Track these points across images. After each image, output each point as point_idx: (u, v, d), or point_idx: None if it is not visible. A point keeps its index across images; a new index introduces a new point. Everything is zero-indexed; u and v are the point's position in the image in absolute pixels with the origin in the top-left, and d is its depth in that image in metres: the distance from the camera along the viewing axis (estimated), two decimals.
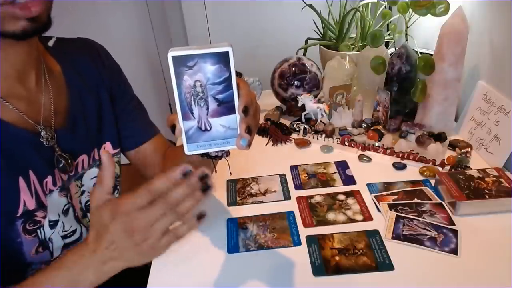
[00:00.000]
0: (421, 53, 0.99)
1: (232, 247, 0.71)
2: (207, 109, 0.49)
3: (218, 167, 0.74)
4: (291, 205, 0.81)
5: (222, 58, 0.46)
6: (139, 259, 0.49)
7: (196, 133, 0.50)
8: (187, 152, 0.51)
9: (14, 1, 0.51)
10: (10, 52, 0.58)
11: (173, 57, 0.45)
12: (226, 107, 0.49)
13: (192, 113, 0.48)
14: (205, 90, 0.48)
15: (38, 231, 0.62)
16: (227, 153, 0.60)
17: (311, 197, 0.83)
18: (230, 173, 0.87)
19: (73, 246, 0.68)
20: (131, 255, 0.48)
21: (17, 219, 0.59)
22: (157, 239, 0.46)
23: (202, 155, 0.60)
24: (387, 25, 1.17)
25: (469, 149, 0.93)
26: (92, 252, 0.48)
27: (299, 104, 1.08)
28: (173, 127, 0.50)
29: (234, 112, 0.50)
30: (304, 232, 0.74)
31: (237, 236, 0.74)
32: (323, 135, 1.03)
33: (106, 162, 0.48)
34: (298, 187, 0.87)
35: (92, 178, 0.73)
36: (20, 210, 0.59)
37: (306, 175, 0.90)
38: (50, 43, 0.70)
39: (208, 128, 0.50)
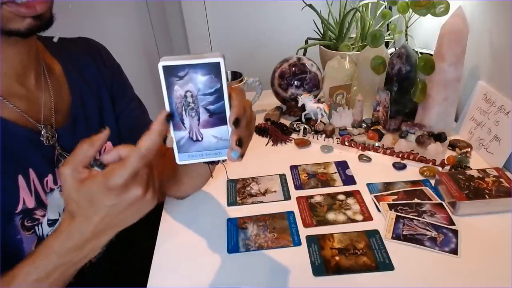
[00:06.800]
0: (421, 53, 0.99)
1: (232, 247, 0.71)
2: (198, 119, 0.48)
3: (216, 168, 0.74)
4: (291, 205, 0.81)
5: (213, 69, 0.46)
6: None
7: (187, 143, 0.49)
8: (178, 162, 0.50)
9: (16, 1, 0.51)
10: (9, 52, 0.58)
11: (164, 67, 0.45)
12: (217, 118, 0.48)
13: (183, 123, 0.48)
14: (196, 100, 0.47)
15: (36, 227, 0.62)
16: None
17: (311, 197, 0.83)
18: (228, 178, 0.87)
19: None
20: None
21: (16, 215, 0.59)
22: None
23: None
24: (387, 25, 1.17)
25: (469, 149, 0.93)
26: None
27: (299, 104, 1.08)
28: (164, 137, 0.49)
29: (226, 123, 0.49)
30: (304, 232, 0.74)
31: (237, 236, 0.74)
32: (323, 135, 1.03)
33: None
34: (298, 187, 0.87)
35: None
36: (19, 208, 0.59)
37: (306, 175, 0.90)
38: (55, 39, 0.70)
39: (200, 139, 0.49)
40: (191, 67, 0.45)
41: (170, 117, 0.47)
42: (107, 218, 0.47)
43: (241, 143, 0.49)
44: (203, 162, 0.59)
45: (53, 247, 0.49)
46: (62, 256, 0.49)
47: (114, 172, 0.44)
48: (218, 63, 0.45)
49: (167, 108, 0.47)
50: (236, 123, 0.48)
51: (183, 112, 0.47)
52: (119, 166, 0.44)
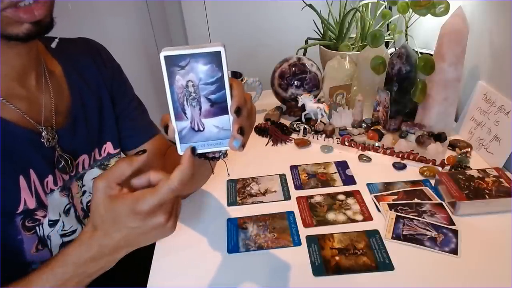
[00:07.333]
0: (421, 53, 0.99)
1: (232, 247, 0.71)
2: (200, 109, 0.48)
3: (217, 167, 0.74)
4: (291, 205, 0.81)
5: (214, 58, 0.46)
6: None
7: (189, 133, 0.49)
8: (180, 152, 0.50)
9: (18, 5, 0.51)
10: (9, 54, 0.58)
11: (165, 57, 0.45)
12: (219, 107, 0.48)
13: (185, 113, 0.48)
14: (198, 90, 0.47)
15: (37, 228, 0.62)
16: (225, 154, 0.60)
17: (311, 197, 0.83)
18: (228, 174, 0.87)
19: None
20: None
21: (17, 216, 0.59)
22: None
23: (199, 155, 0.60)
24: (387, 25, 1.17)
25: (469, 149, 0.93)
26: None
27: (299, 104, 1.08)
28: (166, 127, 0.49)
29: (227, 113, 0.49)
30: (304, 232, 0.74)
31: (237, 236, 0.74)
32: (323, 135, 1.03)
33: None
34: (298, 187, 0.87)
35: (92, 179, 0.73)
36: (20, 209, 0.59)
37: (306, 175, 0.90)
38: (53, 44, 0.70)
39: (201, 129, 0.49)
40: (192, 56, 0.46)
41: (194, 149, 0.49)
42: (127, 237, 0.49)
43: (243, 132, 0.49)
44: (204, 158, 0.59)
45: (71, 257, 0.51)
46: (79, 266, 0.51)
47: (143, 198, 0.46)
48: (219, 52, 0.46)
49: (169, 98, 0.47)
50: (238, 111, 0.48)
51: (185, 102, 0.48)
52: (149, 193, 0.46)
